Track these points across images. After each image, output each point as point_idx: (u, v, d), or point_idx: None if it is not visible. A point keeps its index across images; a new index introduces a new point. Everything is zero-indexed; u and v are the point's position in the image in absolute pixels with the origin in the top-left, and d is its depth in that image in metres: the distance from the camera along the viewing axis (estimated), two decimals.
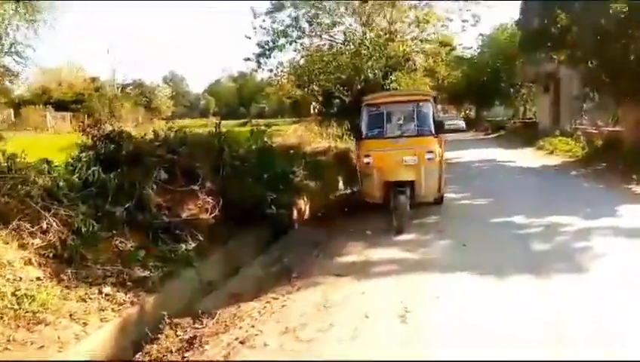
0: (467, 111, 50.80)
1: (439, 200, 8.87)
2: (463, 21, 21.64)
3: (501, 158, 17.19)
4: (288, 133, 16.53)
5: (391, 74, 21.24)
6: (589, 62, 14.95)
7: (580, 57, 15.19)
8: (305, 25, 20.90)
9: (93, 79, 49.11)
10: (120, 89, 50.33)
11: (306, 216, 9.43)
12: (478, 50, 38.83)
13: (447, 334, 3.93)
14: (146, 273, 5.20)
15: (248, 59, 21.06)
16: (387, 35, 20.56)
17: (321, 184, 10.86)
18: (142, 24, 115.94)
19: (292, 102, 30.23)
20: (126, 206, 6.14)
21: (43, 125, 38.03)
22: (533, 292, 4.79)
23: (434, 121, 8.16)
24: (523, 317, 4.20)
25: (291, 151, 11.86)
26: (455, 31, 23.02)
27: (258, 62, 21.13)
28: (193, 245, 6.21)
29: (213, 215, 7.07)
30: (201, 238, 6.39)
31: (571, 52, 15.84)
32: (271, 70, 21.71)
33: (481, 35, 37.91)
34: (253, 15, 20.80)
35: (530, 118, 34.93)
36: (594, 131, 17.97)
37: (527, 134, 24.91)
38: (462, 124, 39.24)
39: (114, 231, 5.72)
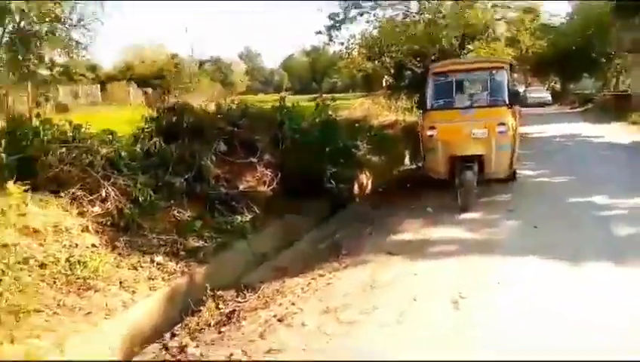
0: (552, 84, 47.43)
1: (512, 177, 8.24)
2: None
3: (587, 133, 15.82)
4: (355, 106, 16.16)
5: (469, 43, 20.14)
6: None
7: None
8: None
9: (174, 56, 51.08)
10: (198, 65, 52.12)
11: (367, 191, 9.16)
12: (567, 18, 35.84)
13: (511, 318, 3.56)
14: (200, 243, 5.22)
15: (320, 32, 20.80)
16: (465, 1, 19.29)
17: (385, 158, 10.51)
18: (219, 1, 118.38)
19: (363, 76, 29.66)
20: (185, 177, 6.21)
21: (127, 100, 40.20)
22: (613, 279, 4.26)
23: (508, 90, 7.54)
24: (601, 303, 3.73)
25: (357, 125, 11.53)
26: None
27: (330, 35, 20.85)
28: (249, 217, 6.17)
29: (271, 187, 7.01)
30: (257, 211, 6.34)
31: None
32: (342, 43, 21.27)
33: None
34: None
35: (623, 91, 31.91)
36: None
37: (619, 108, 22.72)
38: (547, 97, 36.51)
39: (172, 202, 5.80)
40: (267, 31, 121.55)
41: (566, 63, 34.83)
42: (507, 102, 7.45)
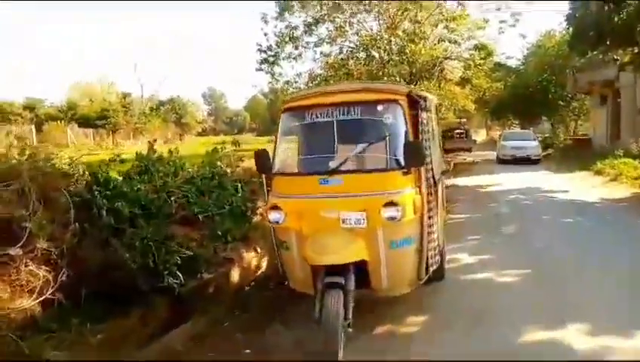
0: (510, 127, 46.62)
1: (439, 277, 5.37)
2: (501, 22, 18.37)
3: (549, 186, 13.32)
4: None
5: (417, 83, 18.17)
6: None
7: None
8: (322, 30, 18.22)
9: (125, 95, 48.29)
10: (148, 105, 49.37)
11: (259, 273, 6.44)
12: (523, 60, 35.09)
13: None
14: None
15: (260, 69, 18.52)
16: (412, 37, 17.38)
17: None
18: (182, 39, 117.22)
19: None
20: None
21: (65, 142, 37.10)
22: None
23: (408, 144, 4.23)
24: None
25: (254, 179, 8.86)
26: (493, 37, 19.80)
27: (271, 72, 18.66)
28: None
29: (42, 298, 4.22)
30: None
31: None
32: (287, 82, 19.02)
33: (522, 36, 34.08)
34: (264, 21, 18.15)
35: (583, 135, 30.71)
36: None
37: (581, 154, 20.94)
38: (533, 148, 22.31)
39: None
40: (233, 71, 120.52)
41: (524, 106, 33.66)
42: (402, 163, 4.23)
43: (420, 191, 4.34)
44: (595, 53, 15.38)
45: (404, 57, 16.84)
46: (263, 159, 4.61)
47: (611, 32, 12.96)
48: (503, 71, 29.76)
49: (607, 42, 13.82)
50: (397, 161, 4.27)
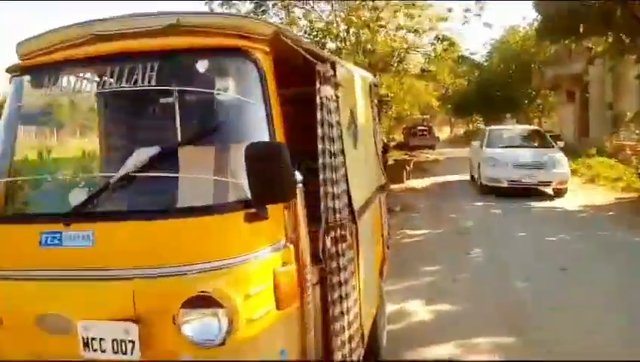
0: (475, 124, 45.90)
1: None
2: (466, 10, 16.85)
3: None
4: None
5: (375, 76, 16.53)
6: None
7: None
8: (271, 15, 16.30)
9: None
10: None
11: None
12: (487, 56, 34.18)
13: None
14: None
15: None
16: (368, 23, 15.68)
17: None
18: None
19: None
20: None
21: None
22: None
23: (265, 148, 1.89)
24: None
25: None
26: (456, 29, 18.45)
27: None
28: None
29: None
30: None
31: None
32: None
33: (488, 25, 32.97)
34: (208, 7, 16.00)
35: (549, 132, 29.81)
36: None
37: None
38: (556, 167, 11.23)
39: None
40: None
41: (487, 103, 32.68)
42: (249, 194, 1.90)
43: (296, 252, 2.05)
44: (566, 42, 13.99)
45: (359, 46, 15.11)
46: None
47: (586, 18, 11.57)
48: (467, 66, 28.60)
49: (580, 30, 12.41)
50: (237, 188, 1.98)
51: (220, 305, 1.75)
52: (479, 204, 10.37)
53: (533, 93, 31.13)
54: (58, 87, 2.18)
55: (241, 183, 1.89)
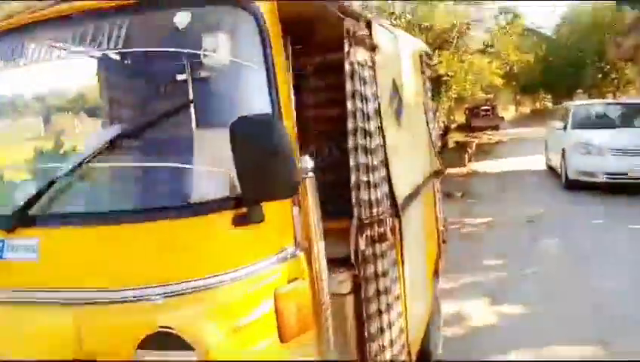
0: (542, 102, 43.57)
1: None
2: None
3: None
4: None
5: (436, 54, 15.75)
6: None
7: None
8: None
9: None
10: None
11: None
12: (555, 29, 32.15)
13: None
14: None
15: None
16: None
17: None
18: None
19: None
20: None
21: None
22: None
23: (264, 124, 1.40)
24: None
25: None
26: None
27: None
28: None
29: None
30: None
31: None
32: None
33: None
34: None
35: None
36: None
37: None
38: None
39: None
40: None
41: (557, 79, 30.72)
42: (239, 187, 1.43)
43: (309, 263, 1.61)
44: None
45: (415, 24, 14.40)
46: None
47: None
48: (533, 40, 26.91)
49: None
50: (223, 180, 1.47)
51: (187, 347, 1.28)
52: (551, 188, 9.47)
53: (608, 66, 28.94)
54: (19, 55, 1.76)
55: (228, 174, 1.41)
